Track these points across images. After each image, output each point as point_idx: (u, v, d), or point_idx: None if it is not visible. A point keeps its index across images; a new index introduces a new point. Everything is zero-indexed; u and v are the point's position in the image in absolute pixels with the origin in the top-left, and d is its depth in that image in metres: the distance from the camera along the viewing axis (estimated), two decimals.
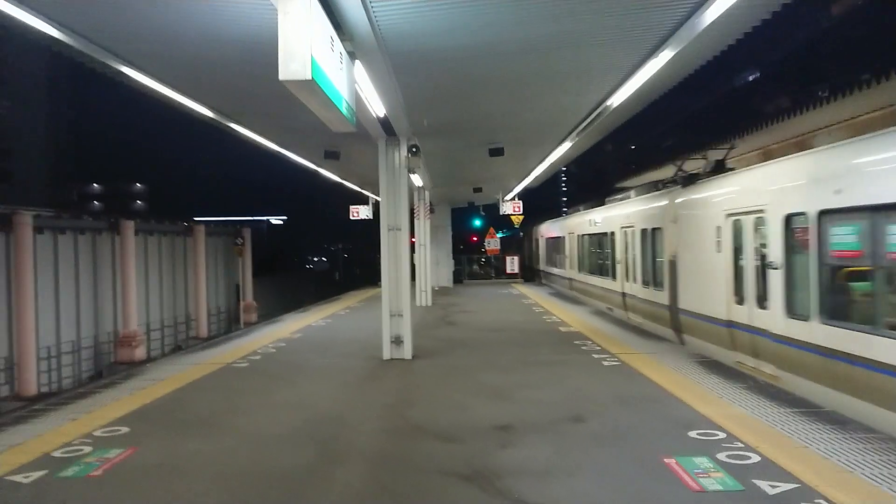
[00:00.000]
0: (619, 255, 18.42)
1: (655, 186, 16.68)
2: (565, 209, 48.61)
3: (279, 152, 14.96)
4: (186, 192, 70.96)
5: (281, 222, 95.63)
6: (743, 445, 6.28)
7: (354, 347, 13.11)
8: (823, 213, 8.42)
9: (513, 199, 26.13)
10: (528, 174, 20.77)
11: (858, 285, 8.12)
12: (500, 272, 35.83)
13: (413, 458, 6.29)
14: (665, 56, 8.07)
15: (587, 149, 17.20)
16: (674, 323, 14.02)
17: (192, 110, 10.18)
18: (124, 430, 7.41)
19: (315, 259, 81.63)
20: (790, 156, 10.21)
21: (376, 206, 24.30)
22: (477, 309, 20.37)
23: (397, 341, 11.54)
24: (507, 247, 40.97)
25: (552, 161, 17.49)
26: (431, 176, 19.17)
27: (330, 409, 8.29)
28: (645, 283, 16.23)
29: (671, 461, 5.92)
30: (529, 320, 16.98)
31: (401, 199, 11.58)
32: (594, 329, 14.74)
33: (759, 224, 10.27)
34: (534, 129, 12.78)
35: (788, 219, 9.33)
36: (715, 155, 14.48)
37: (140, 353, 22.37)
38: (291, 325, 16.95)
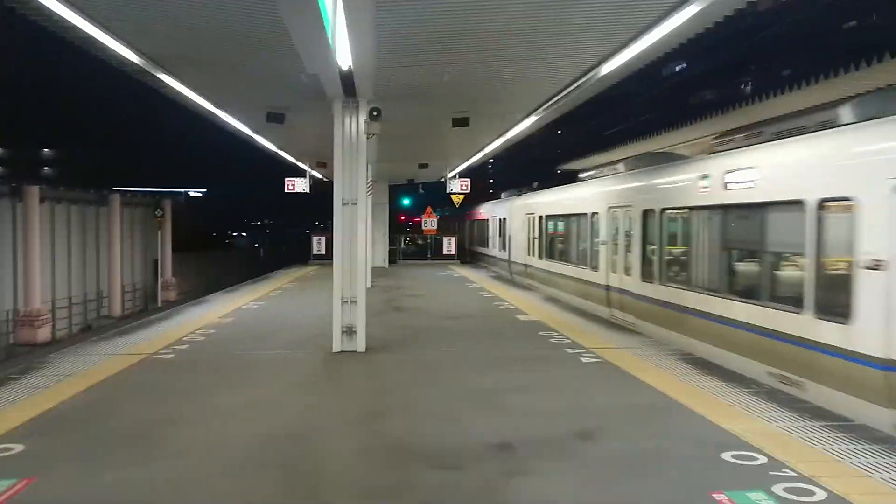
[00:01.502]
0: (491, 233, 31.05)
1: (519, 190, 27.05)
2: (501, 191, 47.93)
3: (211, 114, 13.15)
4: (102, 159, 66.17)
5: (200, 195, 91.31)
6: (796, 475, 5.24)
7: (298, 335, 11.65)
8: (548, 216, 20.65)
9: (455, 177, 24.87)
10: (480, 150, 19.53)
11: (552, 245, 20.49)
12: (435, 253, 34.69)
13: (407, 494, 4.97)
14: (689, 11, 6.93)
15: (531, 133, 17.08)
16: (509, 269, 26.24)
17: (116, 54, 8.39)
18: (17, 448, 5.80)
19: (235, 235, 78.39)
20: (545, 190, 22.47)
21: (314, 179, 22.63)
22: (422, 292, 19.10)
23: (349, 332, 10.16)
24: (442, 227, 39.76)
25: (510, 136, 16.28)
26: (379, 147, 17.65)
27: (285, 419, 6.85)
28: (503, 249, 28.03)
29: (723, 498, 4.82)
30: (482, 307, 15.83)
31: (358, 170, 10.15)
32: (554, 318, 13.71)
33: (533, 218, 22.07)
34: (508, 96, 11.48)
35: (541, 217, 21.24)
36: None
37: (44, 333, 20.12)
38: (220, 308, 15.25)
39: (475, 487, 5.04)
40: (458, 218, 42.84)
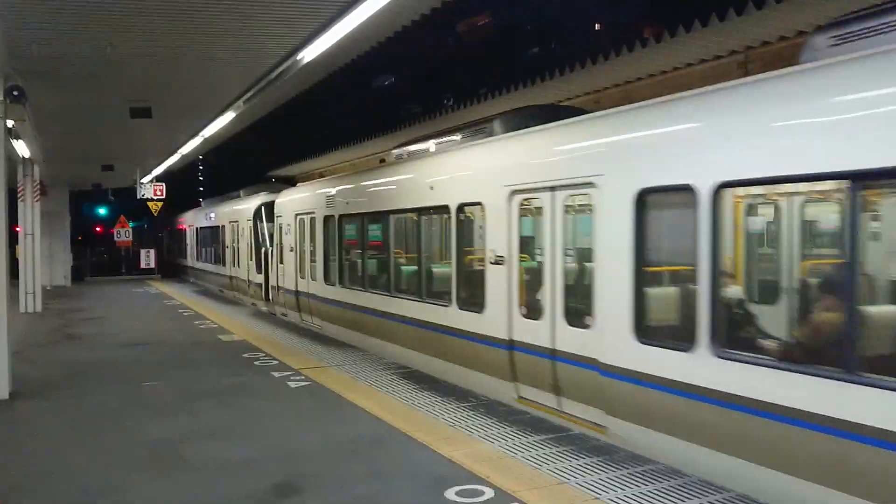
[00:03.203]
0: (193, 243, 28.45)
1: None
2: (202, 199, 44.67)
3: None
4: None
5: None
6: None
7: None
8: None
9: (151, 181, 22.14)
10: (175, 151, 17.35)
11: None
12: (132, 267, 31.01)
13: None
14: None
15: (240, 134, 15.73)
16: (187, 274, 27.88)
17: None
18: None
19: None
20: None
21: None
22: (108, 315, 16.38)
23: None
24: (145, 239, 35.66)
25: (208, 135, 14.52)
26: (44, 144, 14.70)
27: None
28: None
29: None
30: (180, 328, 13.87)
31: None
32: (261, 336, 12.38)
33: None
34: (197, 85, 9.88)
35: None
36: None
37: None
38: None
39: None
40: (165, 227, 38.92)
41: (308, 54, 8.05)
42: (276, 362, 9.86)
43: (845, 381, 3.99)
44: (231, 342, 11.88)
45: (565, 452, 5.73)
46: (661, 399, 5.28)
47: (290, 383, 8.53)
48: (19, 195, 16.67)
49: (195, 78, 9.49)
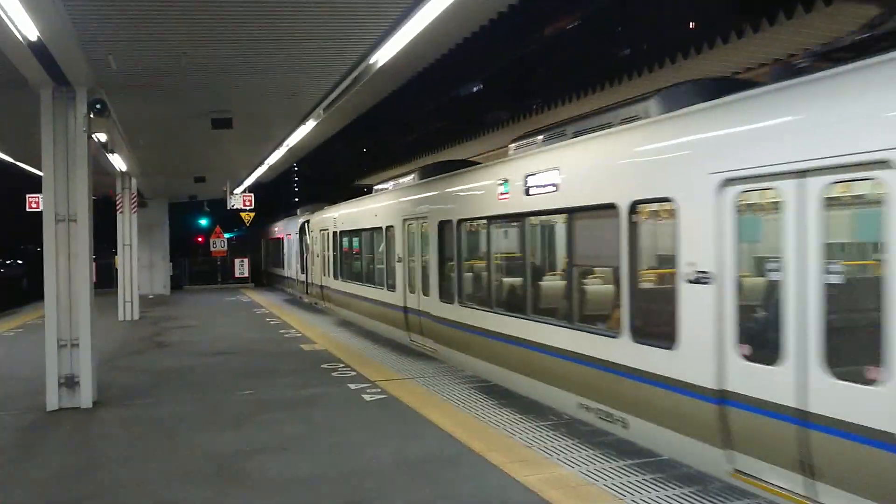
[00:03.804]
0: (287, 252, 29.40)
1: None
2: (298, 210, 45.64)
3: None
4: None
5: None
6: None
7: (11, 389, 9.16)
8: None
9: (244, 191, 22.68)
10: (262, 162, 17.63)
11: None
12: (227, 276, 31.96)
13: None
14: None
15: (322, 142, 15.84)
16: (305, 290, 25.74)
17: None
18: None
19: (8, 262, 68.37)
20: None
21: None
22: (198, 323, 16.77)
23: (70, 383, 7.95)
24: (239, 249, 36.77)
25: (292, 144, 14.61)
26: (139, 157, 15.19)
27: None
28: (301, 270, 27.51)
29: None
30: (264, 337, 13.98)
31: (77, 177, 7.99)
32: (342, 345, 12.26)
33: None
34: (274, 94, 9.86)
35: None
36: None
37: None
38: None
39: None
40: (255, 237, 40.16)
41: (381, 57, 7.83)
42: (353, 373, 9.68)
43: (488, 312, 9.17)
44: (312, 351, 11.83)
45: (653, 481, 5.19)
46: (447, 330, 10.51)
47: (365, 396, 8.30)
48: (118, 207, 17.35)
49: (271, 86, 9.45)
